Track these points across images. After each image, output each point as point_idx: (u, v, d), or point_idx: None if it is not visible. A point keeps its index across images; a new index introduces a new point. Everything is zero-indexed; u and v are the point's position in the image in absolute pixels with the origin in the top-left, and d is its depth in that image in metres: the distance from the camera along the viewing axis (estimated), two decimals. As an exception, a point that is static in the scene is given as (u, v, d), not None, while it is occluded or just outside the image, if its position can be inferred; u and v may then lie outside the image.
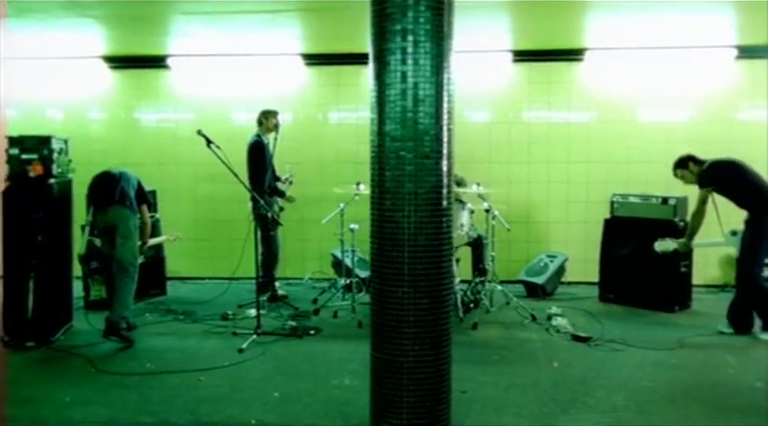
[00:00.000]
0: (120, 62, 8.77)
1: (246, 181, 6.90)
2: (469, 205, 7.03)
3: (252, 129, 7.50)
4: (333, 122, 8.82)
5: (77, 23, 6.69)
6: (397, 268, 3.68)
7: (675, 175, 6.46)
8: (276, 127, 7.39)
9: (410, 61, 3.58)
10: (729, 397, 4.73)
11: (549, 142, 8.44)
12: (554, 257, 8.04)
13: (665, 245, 6.49)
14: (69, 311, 6.66)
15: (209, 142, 6.15)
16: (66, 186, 6.49)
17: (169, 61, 8.64)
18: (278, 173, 7.68)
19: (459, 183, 7.52)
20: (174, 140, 8.76)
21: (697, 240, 6.44)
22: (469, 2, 5.90)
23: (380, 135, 3.68)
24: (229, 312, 7.03)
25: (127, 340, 6.04)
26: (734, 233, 6.24)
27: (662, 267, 7.13)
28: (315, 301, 7.43)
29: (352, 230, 7.16)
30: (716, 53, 8.03)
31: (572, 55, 8.26)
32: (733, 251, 6.35)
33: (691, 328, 6.51)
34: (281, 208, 7.60)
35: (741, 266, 6.14)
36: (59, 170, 6.30)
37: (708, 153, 8.13)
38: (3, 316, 6.07)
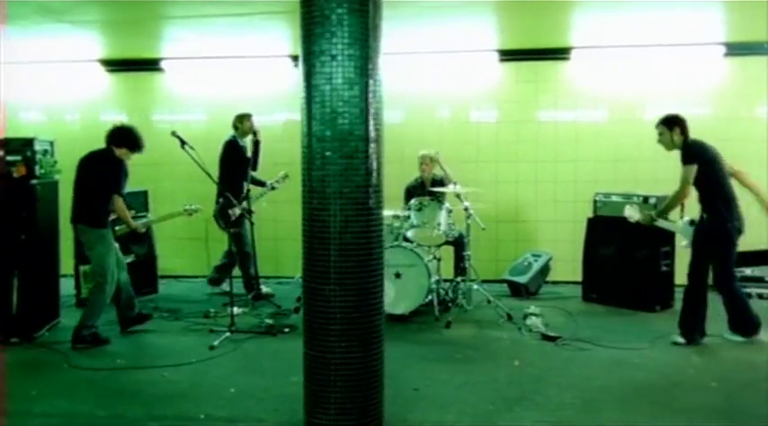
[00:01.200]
0: (115, 65, 8.98)
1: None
2: (447, 204, 7.06)
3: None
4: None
5: (69, 29, 6.89)
6: (324, 265, 3.76)
7: (656, 128, 6.05)
8: (252, 130, 7.53)
9: (334, 63, 3.65)
10: (680, 397, 4.72)
11: (536, 141, 8.43)
12: (539, 256, 8.03)
13: (631, 212, 6.34)
14: (56, 308, 6.85)
15: (183, 143, 6.30)
16: (51, 187, 6.68)
17: (163, 64, 8.81)
18: (259, 176, 7.78)
19: (441, 183, 7.59)
20: (169, 141, 8.90)
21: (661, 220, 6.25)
22: (455, 2, 5.96)
23: (308, 136, 3.75)
24: (212, 310, 7.16)
25: (96, 341, 6.10)
26: (692, 222, 6.01)
27: (643, 267, 7.12)
28: (298, 299, 7.51)
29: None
30: (704, 50, 7.95)
31: (559, 54, 8.25)
32: (684, 241, 6.13)
33: (667, 328, 6.44)
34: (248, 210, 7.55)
35: (719, 279, 5.93)
36: (42, 171, 6.48)
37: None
38: (-13, 313, 6.32)
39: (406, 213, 7.09)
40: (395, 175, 8.18)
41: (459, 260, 7.45)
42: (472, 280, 7.45)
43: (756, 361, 5.45)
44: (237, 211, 7.15)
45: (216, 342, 6.00)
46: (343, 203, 3.71)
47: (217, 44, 8.00)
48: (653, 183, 8.00)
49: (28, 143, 6.40)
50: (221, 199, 7.11)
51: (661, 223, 6.26)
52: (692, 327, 5.91)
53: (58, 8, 5.88)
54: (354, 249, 3.73)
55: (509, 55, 8.36)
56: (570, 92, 8.41)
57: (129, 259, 7.80)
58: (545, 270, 8.00)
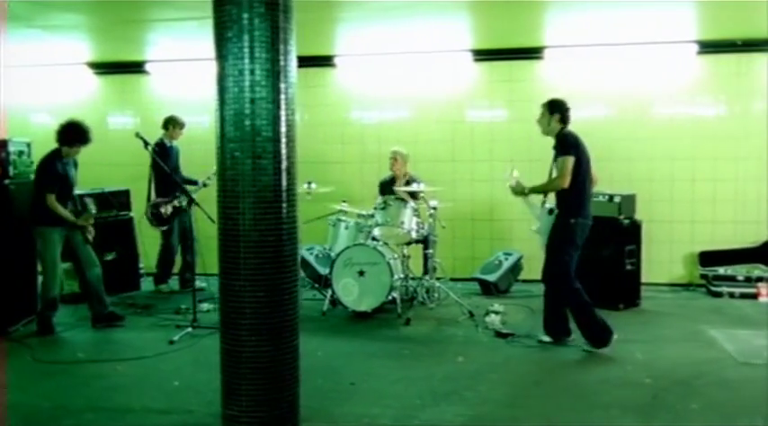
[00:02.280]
0: (103, 68, 9.23)
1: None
2: (411, 204, 7.16)
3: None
4: (300, 123, 9.06)
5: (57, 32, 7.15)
6: (234, 262, 3.89)
7: (541, 109, 5.95)
8: (179, 135, 8.08)
9: (241, 66, 3.78)
10: (606, 393, 4.77)
11: (510, 140, 8.47)
12: (510, 255, 8.08)
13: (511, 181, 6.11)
14: (33, 304, 7.07)
15: (146, 144, 6.50)
16: (27, 186, 6.86)
17: (147, 66, 9.04)
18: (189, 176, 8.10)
19: (409, 182, 7.68)
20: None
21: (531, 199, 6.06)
22: (428, 2, 6.04)
23: (221, 137, 3.89)
24: (183, 306, 7.33)
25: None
26: (551, 211, 5.84)
27: (607, 265, 7.14)
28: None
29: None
30: (677, 48, 7.93)
31: (532, 53, 8.28)
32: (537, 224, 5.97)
33: (625, 326, 6.48)
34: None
35: (546, 264, 5.85)
36: (17, 171, 6.71)
37: (671, 150, 8.13)
38: (-36, 308, 6.58)
39: (371, 212, 7.20)
40: (373, 174, 8.38)
41: (426, 258, 7.54)
42: (438, 278, 7.56)
43: (701, 359, 5.46)
44: (170, 209, 7.49)
45: (176, 337, 6.17)
46: (251, 202, 3.84)
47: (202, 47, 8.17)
48: (628, 183, 8.02)
49: (2, 144, 6.63)
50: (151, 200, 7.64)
51: (528, 200, 6.02)
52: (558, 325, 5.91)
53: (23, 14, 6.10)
54: (263, 246, 3.86)
55: (483, 55, 8.42)
56: (544, 91, 8.31)
57: (110, 256, 8.06)
58: (516, 268, 8.04)
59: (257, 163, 3.82)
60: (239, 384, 3.94)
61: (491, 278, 7.89)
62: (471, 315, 6.86)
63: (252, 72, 3.79)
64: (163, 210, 7.40)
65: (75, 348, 6.14)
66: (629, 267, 7.14)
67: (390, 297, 6.93)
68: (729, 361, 5.38)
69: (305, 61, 8.64)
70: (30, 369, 5.56)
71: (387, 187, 7.82)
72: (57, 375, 5.42)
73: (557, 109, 5.89)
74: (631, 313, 7.02)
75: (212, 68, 3.92)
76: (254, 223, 3.85)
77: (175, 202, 7.59)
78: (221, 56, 3.84)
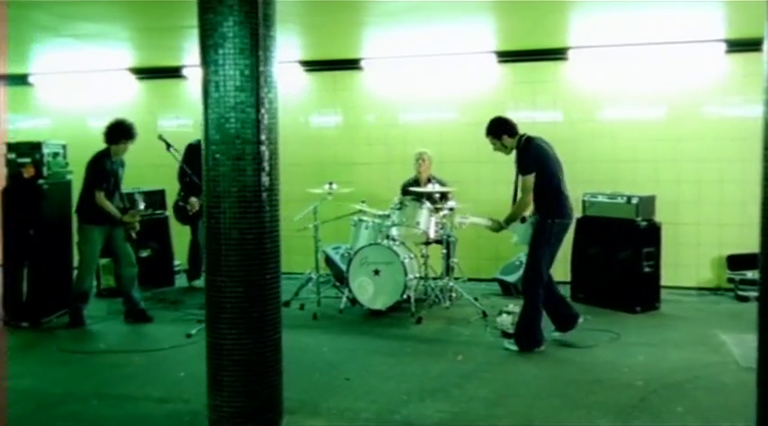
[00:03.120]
0: (144, 73, 9.63)
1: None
2: (428, 204, 7.24)
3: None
4: (328, 125, 9.28)
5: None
6: (216, 259, 4.09)
7: (489, 140, 6.00)
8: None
9: (221, 72, 3.96)
10: (595, 393, 4.78)
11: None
12: (531, 256, 8.06)
13: (469, 221, 6.28)
14: (66, 298, 7.45)
15: (168, 146, 6.79)
16: (62, 186, 7.26)
17: (185, 71, 9.40)
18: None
19: (436, 183, 7.76)
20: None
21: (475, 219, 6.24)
22: (453, 3, 6.13)
23: (205, 139, 4.09)
24: (207, 301, 7.60)
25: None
26: (523, 219, 5.83)
27: (625, 267, 7.08)
28: (296, 294, 7.87)
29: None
30: (704, 48, 7.78)
31: (556, 54, 8.26)
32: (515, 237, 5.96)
33: (637, 328, 6.45)
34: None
35: (526, 267, 5.83)
36: (50, 172, 7.10)
37: (698, 152, 7.99)
38: (3, 300, 7.02)
39: (387, 212, 7.33)
40: (398, 175, 8.49)
41: (447, 258, 7.61)
42: (456, 279, 7.63)
43: (702, 363, 5.39)
44: (197, 206, 7.75)
45: (194, 331, 6.42)
46: (231, 201, 4.02)
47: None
48: (653, 184, 7.93)
49: (36, 146, 7.03)
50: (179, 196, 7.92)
51: (473, 221, 6.22)
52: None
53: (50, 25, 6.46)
54: (242, 244, 4.04)
55: (507, 56, 8.44)
56: (568, 92, 8.41)
57: (145, 253, 8.43)
58: (538, 269, 8.01)
59: (237, 164, 4.00)
60: (221, 375, 4.13)
61: (510, 278, 7.91)
62: (484, 315, 6.91)
63: (232, 78, 3.96)
64: (189, 207, 7.67)
65: (99, 339, 6.48)
66: (646, 269, 7.05)
67: (405, 296, 7.03)
68: (731, 366, 5.30)
69: (333, 64, 9.00)
70: (52, 358, 5.90)
71: (411, 187, 7.92)
72: (75, 363, 5.74)
73: (499, 130, 5.92)
74: (648, 316, 6.93)
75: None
76: (234, 221, 4.03)
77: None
78: (204, 62, 4.03)
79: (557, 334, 5.98)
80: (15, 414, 4.60)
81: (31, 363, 5.82)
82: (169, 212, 8.60)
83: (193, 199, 7.81)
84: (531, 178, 5.66)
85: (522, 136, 5.87)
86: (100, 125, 9.47)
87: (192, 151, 7.92)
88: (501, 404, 4.62)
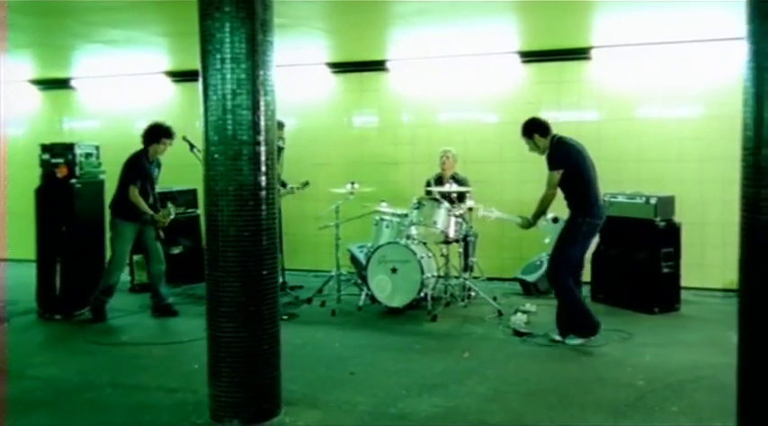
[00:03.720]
0: (179, 76, 9.93)
1: None
2: (445, 204, 7.32)
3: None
4: (355, 125, 9.42)
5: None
6: (215, 255, 4.27)
7: (524, 140, 6.17)
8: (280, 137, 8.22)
9: (219, 76, 4.14)
10: (592, 392, 4.80)
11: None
12: (552, 256, 8.06)
13: (494, 214, 6.44)
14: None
15: (192, 147, 7.02)
16: (95, 186, 7.58)
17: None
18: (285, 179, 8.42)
19: (459, 182, 7.84)
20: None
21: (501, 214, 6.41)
22: (477, 3, 6.20)
23: (205, 140, 4.27)
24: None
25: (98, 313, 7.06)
26: (555, 220, 5.97)
27: (643, 268, 7.04)
28: (320, 291, 8.04)
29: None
30: (729, 46, 7.66)
31: (580, 54, 8.24)
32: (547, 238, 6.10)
33: (651, 329, 6.42)
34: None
35: (550, 263, 5.99)
36: (83, 172, 7.42)
37: (725, 151, 7.85)
38: (37, 293, 7.37)
39: (405, 211, 7.44)
40: (423, 174, 8.59)
41: (465, 257, 7.70)
42: (475, 278, 7.70)
43: (708, 363, 5.35)
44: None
45: (214, 326, 6.63)
46: (228, 199, 4.19)
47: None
48: (678, 184, 7.85)
49: (69, 147, 7.37)
50: None
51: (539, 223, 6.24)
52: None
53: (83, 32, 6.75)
54: (239, 241, 4.20)
55: (531, 56, 8.45)
56: (592, 91, 8.38)
57: (177, 250, 8.73)
58: (558, 269, 8.01)
59: (234, 164, 4.17)
60: (220, 366, 4.31)
61: (530, 278, 7.94)
62: (500, 313, 6.95)
63: (229, 81, 4.14)
64: None
65: (124, 332, 6.76)
66: (665, 270, 6.99)
67: (422, 295, 7.12)
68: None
69: (359, 66, 9.16)
70: (77, 349, 6.20)
71: (435, 184, 8.01)
72: (98, 354, 6.01)
73: (531, 129, 6.08)
74: (666, 317, 6.88)
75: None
76: (231, 219, 4.20)
77: None
78: (204, 67, 4.22)
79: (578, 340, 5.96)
80: (35, 400, 4.90)
81: (58, 353, 6.14)
82: (201, 210, 8.82)
83: None
84: (556, 174, 5.83)
85: (554, 136, 6.01)
86: (139, 126, 10.07)
87: None
88: (496, 400, 4.68)
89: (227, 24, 4.11)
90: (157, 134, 7.01)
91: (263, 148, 4.23)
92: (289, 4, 5.72)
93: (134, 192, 6.87)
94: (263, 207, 4.26)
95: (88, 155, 7.56)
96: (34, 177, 7.42)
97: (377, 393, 4.86)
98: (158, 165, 7.24)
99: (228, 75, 4.14)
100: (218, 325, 4.29)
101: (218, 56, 4.13)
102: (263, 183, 4.25)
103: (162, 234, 7.14)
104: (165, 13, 5.69)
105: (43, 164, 7.39)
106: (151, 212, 7.03)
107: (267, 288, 4.33)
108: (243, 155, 4.18)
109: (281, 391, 4.51)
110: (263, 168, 4.24)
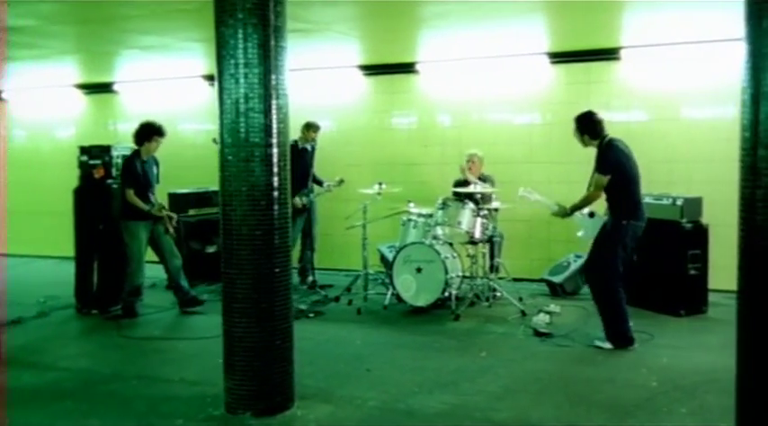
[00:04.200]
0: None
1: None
2: (470, 204, 7.38)
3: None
4: (386, 127, 9.54)
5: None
6: (229, 253, 4.43)
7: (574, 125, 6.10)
8: (313, 138, 8.51)
9: (233, 81, 4.30)
10: (601, 392, 4.82)
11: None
12: (580, 257, 8.04)
13: (533, 197, 6.43)
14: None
15: (221, 148, 7.21)
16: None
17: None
18: (321, 177, 8.61)
19: (485, 183, 7.89)
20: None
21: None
22: (505, 4, 6.24)
23: (221, 142, 4.44)
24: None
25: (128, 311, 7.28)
26: (591, 215, 5.95)
27: (669, 270, 6.98)
28: (348, 290, 8.17)
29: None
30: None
31: (609, 54, 8.21)
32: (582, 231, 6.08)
33: (674, 331, 6.39)
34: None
35: (589, 266, 6.00)
36: (119, 172, 7.70)
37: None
38: (75, 289, 7.68)
39: (431, 211, 7.52)
40: (452, 175, 8.65)
41: (491, 258, 7.74)
42: (501, 278, 7.74)
43: (724, 366, 5.25)
44: (301, 201, 8.16)
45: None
46: (241, 200, 4.35)
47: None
48: (708, 185, 7.75)
49: (106, 149, 7.68)
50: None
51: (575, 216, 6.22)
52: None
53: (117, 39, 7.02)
54: (251, 239, 4.36)
55: (560, 57, 8.45)
56: (622, 92, 8.32)
57: (212, 249, 8.96)
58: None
59: (246, 165, 4.32)
60: (234, 360, 4.48)
61: (557, 279, 7.94)
62: (523, 314, 6.98)
63: (241, 86, 4.29)
64: (298, 200, 8.14)
65: (156, 327, 7.00)
66: (692, 272, 6.91)
67: (446, 294, 7.20)
68: (755, 371, 5.18)
69: (389, 68, 9.29)
70: (110, 342, 6.46)
71: (458, 188, 8.07)
72: (127, 348, 6.26)
73: (584, 128, 6.05)
74: (691, 319, 6.81)
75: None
76: (244, 218, 4.36)
77: (304, 199, 8.29)
78: (219, 72, 4.38)
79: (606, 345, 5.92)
80: (64, 389, 5.15)
81: (91, 346, 6.42)
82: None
83: (297, 198, 8.19)
84: (605, 178, 5.82)
85: (604, 137, 5.97)
86: (182, 128, 10.42)
87: (291, 150, 8.32)
88: (505, 398, 4.74)
89: (239, 31, 4.26)
90: (149, 132, 7.19)
91: (275, 150, 4.38)
92: (310, 9, 5.88)
93: (130, 194, 7.05)
94: (276, 206, 4.40)
95: (124, 157, 7.84)
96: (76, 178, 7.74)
97: (389, 389, 4.97)
98: (156, 163, 7.41)
99: (241, 80, 4.29)
100: (232, 321, 4.46)
101: (232, 61, 4.29)
102: (276, 184, 4.39)
103: (171, 229, 7.32)
104: (191, 21, 5.89)
105: (81, 165, 7.72)
106: (148, 208, 7.12)
107: (279, 286, 4.47)
108: (255, 156, 4.33)
109: (293, 385, 4.65)
110: (276, 169, 4.39)
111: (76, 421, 4.54)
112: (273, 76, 4.35)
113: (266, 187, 4.36)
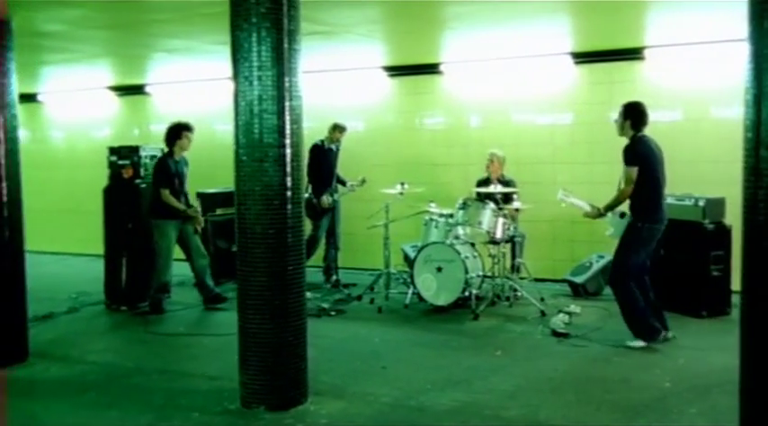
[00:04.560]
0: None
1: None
2: (491, 205, 7.42)
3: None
4: (411, 127, 9.61)
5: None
6: (243, 251, 4.55)
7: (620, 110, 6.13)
8: (339, 139, 8.65)
9: (247, 84, 4.42)
10: (616, 392, 4.83)
11: (611, 142, 8.32)
12: (602, 257, 8.02)
13: (570, 199, 6.40)
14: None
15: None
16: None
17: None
18: (344, 177, 8.76)
19: (507, 183, 7.92)
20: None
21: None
22: (528, 4, 6.23)
23: (235, 143, 4.56)
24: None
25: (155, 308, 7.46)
26: (622, 215, 5.95)
27: (691, 271, 6.94)
28: (372, 289, 8.25)
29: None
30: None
31: (633, 54, 8.17)
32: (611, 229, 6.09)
33: (695, 333, 6.35)
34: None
35: (612, 268, 6.05)
36: (147, 173, 7.90)
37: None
38: (105, 286, 7.90)
39: (451, 211, 7.58)
40: (476, 175, 8.70)
41: (512, 258, 7.77)
42: (522, 278, 7.76)
43: (738, 368, 5.26)
44: (329, 200, 8.41)
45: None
46: (254, 199, 4.47)
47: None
48: (734, 186, 7.63)
49: (134, 150, 7.88)
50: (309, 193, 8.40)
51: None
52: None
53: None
54: (264, 238, 4.47)
55: (583, 57, 8.43)
56: (646, 92, 8.21)
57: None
58: (607, 271, 7.93)
59: (260, 165, 4.44)
60: (248, 355, 4.60)
61: (579, 279, 7.93)
62: (543, 314, 6.99)
63: (255, 88, 4.41)
64: (326, 199, 8.36)
65: (181, 323, 7.16)
66: (714, 273, 6.86)
67: (466, 294, 7.24)
68: (772, 373, 5.14)
69: (414, 69, 9.36)
70: (136, 338, 6.64)
71: (481, 187, 8.12)
72: (152, 343, 6.43)
73: (629, 115, 6.04)
74: (714, 321, 6.76)
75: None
76: (257, 217, 4.47)
77: (330, 198, 8.47)
78: (235, 74, 4.52)
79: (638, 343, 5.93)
80: (88, 381, 5.35)
81: (118, 341, 6.62)
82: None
83: (324, 197, 8.35)
84: (634, 170, 5.83)
85: (636, 132, 6.01)
86: (218, 127, 10.56)
87: (317, 150, 8.52)
88: (515, 397, 4.78)
89: (253, 34, 4.38)
90: (177, 130, 7.38)
91: (288, 151, 4.48)
92: (328, 12, 5.98)
93: (165, 193, 7.22)
94: (289, 206, 4.51)
95: (152, 157, 8.04)
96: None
97: (402, 386, 5.04)
98: (186, 164, 7.57)
99: (255, 82, 4.41)
100: (247, 317, 4.58)
101: (247, 64, 4.41)
102: (289, 184, 4.50)
103: (199, 229, 7.48)
104: (213, 25, 6.00)
105: (111, 165, 7.93)
106: (184, 208, 7.34)
107: (292, 283, 4.57)
108: (269, 157, 4.44)
109: (307, 380, 4.75)
110: (289, 169, 4.49)
111: (97, 412, 4.70)
112: (287, 79, 4.46)
113: (279, 187, 4.47)
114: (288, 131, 4.48)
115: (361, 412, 4.60)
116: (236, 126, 4.54)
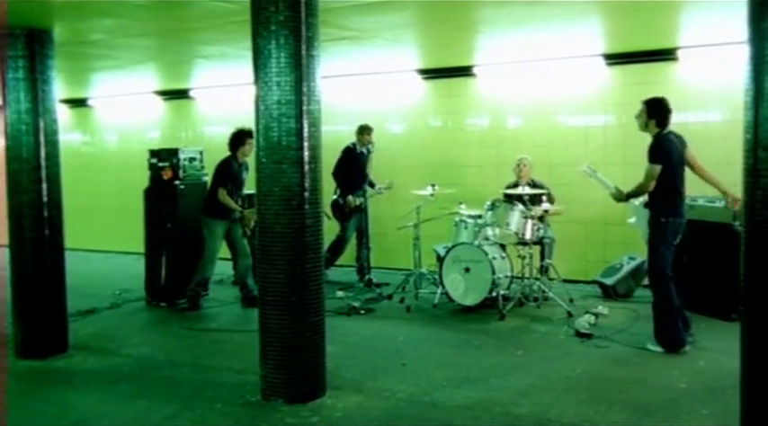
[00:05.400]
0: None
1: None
2: (520, 206, 7.47)
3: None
4: (444, 129, 9.72)
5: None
6: (263, 250, 4.74)
7: (641, 107, 6.17)
8: (369, 141, 8.83)
9: (266, 88, 4.60)
10: (630, 392, 4.87)
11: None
12: (633, 259, 8.00)
13: (595, 175, 6.47)
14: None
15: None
16: (196, 187, 8.28)
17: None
18: (374, 180, 8.91)
19: (536, 186, 7.96)
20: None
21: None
22: (561, 5, 6.23)
23: (256, 146, 4.76)
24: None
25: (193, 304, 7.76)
26: (646, 205, 5.99)
27: (719, 273, 6.87)
28: (403, 288, 8.38)
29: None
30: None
31: (666, 55, 8.13)
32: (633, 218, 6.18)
33: (720, 335, 6.30)
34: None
35: (649, 266, 6.02)
36: (186, 174, 8.18)
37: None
38: (145, 283, 8.21)
39: (480, 212, 7.66)
40: (508, 177, 8.76)
41: (541, 259, 7.82)
42: (551, 279, 7.79)
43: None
44: (355, 202, 8.59)
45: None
46: (274, 199, 4.65)
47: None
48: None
49: (174, 152, 8.16)
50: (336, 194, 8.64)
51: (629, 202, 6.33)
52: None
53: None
54: (283, 237, 4.64)
55: (616, 58, 8.41)
56: (679, 93, 8.17)
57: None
58: (638, 273, 7.93)
59: (279, 167, 4.62)
60: (267, 350, 4.79)
61: (609, 281, 7.91)
62: (570, 315, 7.02)
63: (274, 93, 4.59)
64: (352, 200, 8.58)
65: (216, 319, 7.42)
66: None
67: (494, 294, 7.31)
68: (793, 376, 5.09)
69: (447, 72, 9.48)
70: (171, 332, 6.91)
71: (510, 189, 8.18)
72: (187, 338, 6.69)
73: (654, 113, 6.09)
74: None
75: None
76: (276, 217, 4.65)
77: (358, 200, 8.67)
78: (256, 79, 4.70)
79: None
80: (121, 373, 5.63)
81: (154, 335, 6.89)
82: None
83: (350, 198, 8.56)
84: (657, 168, 5.87)
85: (661, 130, 6.06)
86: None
87: (349, 153, 8.73)
88: (529, 395, 4.86)
89: (272, 41, 4.56)
90: (241, 137, 7.59)
91: (306, 153, 4.65)
92: (351, 18, 6.13)
93: (222, 193, 7.48)
94: (307, 206, 4.68)
95: (191, 159, 8.33)
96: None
97: (419, 382, 5.16)
98: (246, 168, 7.81)
99: (275, 87, 4.59)
100: (266, 313, 4.77)
101: (266, 69, 4.60)
102: (306, 185, 4.67)
103: (248, 231, 7.72)
104: (244, 33, 6.20)
105: (151, 167, 8.24)
106: (240, 209, 7.63)
107: (310, 281, 4.74)
108: (287, 159, 4.62)
109: (325, 375, 4.92)
110: (306, 171, 4.66)
111: (127, 401, 4.94)
112: (305, 84, 4.63)
113: (298, 188, 4.64)
114: (306, 134, 4.65)
115: (376, 407, 4.74)
116: (257, 129, 4.73)
